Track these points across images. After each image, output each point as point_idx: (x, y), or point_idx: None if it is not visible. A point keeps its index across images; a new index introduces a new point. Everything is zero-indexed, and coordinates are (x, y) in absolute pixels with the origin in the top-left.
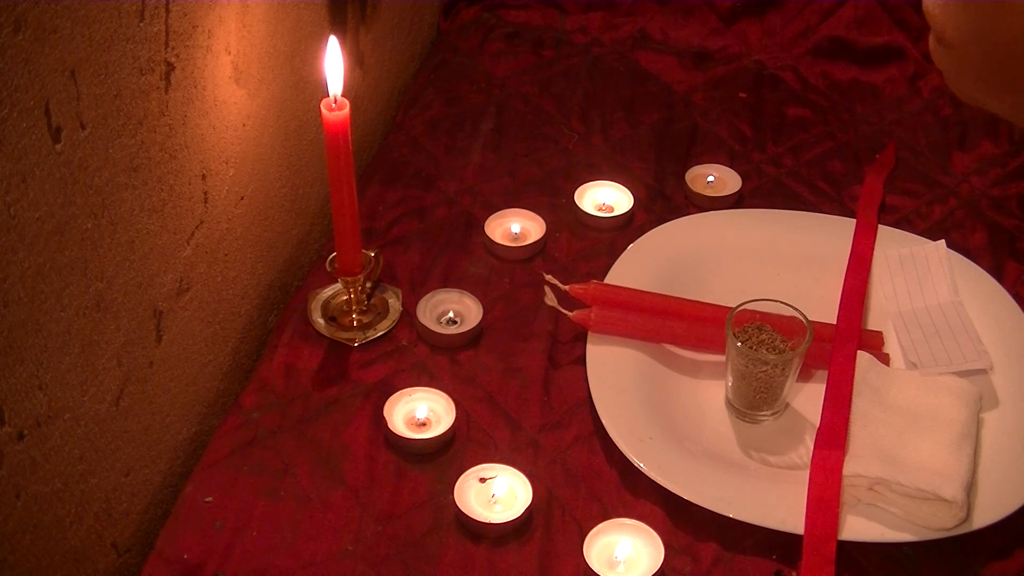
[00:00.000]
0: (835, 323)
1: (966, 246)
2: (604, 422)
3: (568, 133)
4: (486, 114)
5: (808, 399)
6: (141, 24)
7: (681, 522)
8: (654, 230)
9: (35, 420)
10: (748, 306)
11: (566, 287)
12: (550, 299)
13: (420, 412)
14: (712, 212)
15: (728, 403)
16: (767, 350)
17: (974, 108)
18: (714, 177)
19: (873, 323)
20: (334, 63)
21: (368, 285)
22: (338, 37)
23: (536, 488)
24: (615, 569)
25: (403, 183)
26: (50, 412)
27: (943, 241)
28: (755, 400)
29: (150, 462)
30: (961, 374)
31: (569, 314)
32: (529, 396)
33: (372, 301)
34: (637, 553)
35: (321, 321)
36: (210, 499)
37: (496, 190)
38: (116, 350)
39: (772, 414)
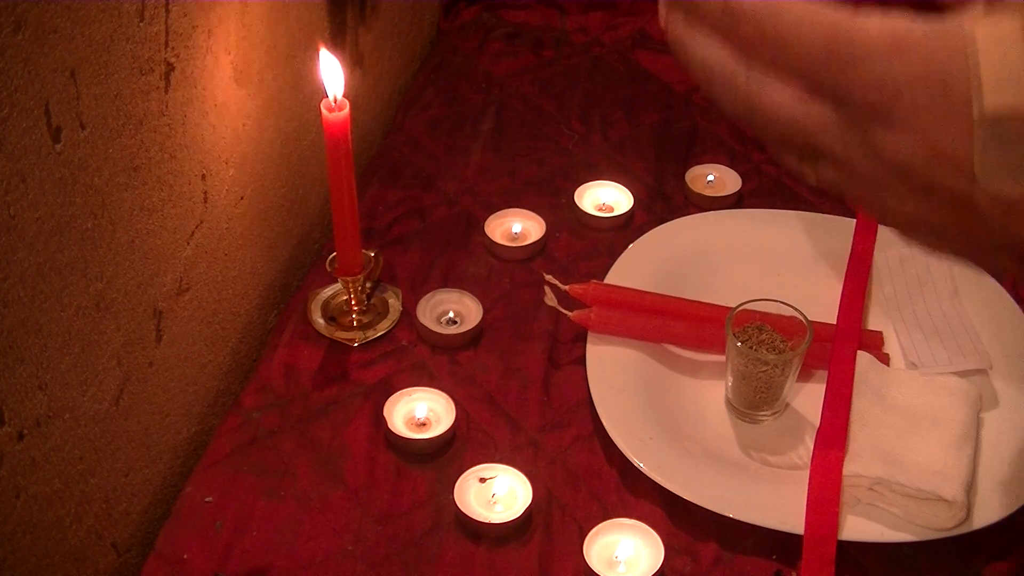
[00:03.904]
0: (835, 323)
1: None
2: (604, 422)
3: (568, 133)
4: (486, 114)
5: (808, 399)
6: (141, 24)
7: (681, 522)
8: (654, 230)
9: (35, 420)
10: (748, 306)
11: (566, 287)
12: (550, 299)
13: (420, 412)
14: (712, 212)
15: (728, 403)
16: (767, 350)
17: None
18: (714, 177)
19: (873, 323)
20: (329, 70)
21: (368, 285)
22: (337, 37)
23: (536, 488)
24: (615, 569)
25: (403, 183)
26: (50, 412)
27: None
28: (755, 400)
29: (150, 462)
30: (961, 374)
31: (569, 314)
32: (529, 396)
33: (372, 301)
34: (637, 553)
35: (321, 321)
36: (210, 499)
37: (496, 190)
38: (116, 350)
39: (772, 414)
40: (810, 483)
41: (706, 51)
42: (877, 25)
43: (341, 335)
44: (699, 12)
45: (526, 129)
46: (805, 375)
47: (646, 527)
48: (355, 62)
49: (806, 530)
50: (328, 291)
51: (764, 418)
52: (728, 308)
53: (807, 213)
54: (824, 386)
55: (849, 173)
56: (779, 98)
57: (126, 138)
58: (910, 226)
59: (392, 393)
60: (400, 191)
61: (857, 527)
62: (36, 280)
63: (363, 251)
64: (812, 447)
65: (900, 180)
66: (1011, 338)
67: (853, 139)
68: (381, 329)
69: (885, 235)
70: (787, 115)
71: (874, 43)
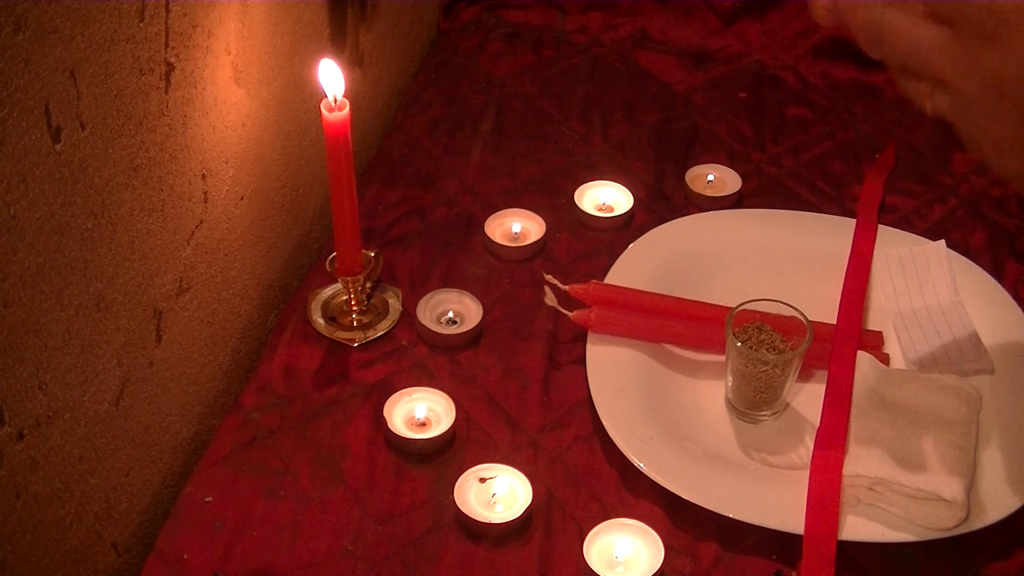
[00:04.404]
0: (835, 323)
1: (966, 246)
2: (604, 422)
3: (568, 133)
4: (486, 114)
5: (808, 399)
6: (141, 24)
7: (681, 522)
8: (654, 230)
9: (35, 420)
10: (748, 306)
11: (566, 287)
12: (550, 299)
13: (420, 412)
14: (712, 212)
15: (728, 403)
16: (767, 350)
17: None
18: (714, 177)
19: (873, 323)
20: (328, 78)
21: (368, 285)
22: (337, 37)
23: (536, 488)
24: (615, 569)
25: (403, 183)
26: (50, 412)
27: (943, 241)
28: (755, 400)
29: (150, 462)
30: (961, 374)
31: (569, 314)
32: (529, 396)
33: (372, 301)
34: (637, 553)
35: (321, 321)
36: (210, 499)
37: (496, 190)
38: (116, 350)
39: (772, 414)
40: (810, 483)
41: None
42: None
43: (341, 335)
44: None
45: (526, 129)
46: (805, 375)
47: (646, 527)
48: (355, 62)
49: (806, 530)
50: (328, 291)
51: (764, 418)
52: (728, 308)
53: (807, 213)
54: (824, 386)
55: (959, 97)
56: (905, 22)
57: (126, 138)
58: (1000, 147)
59: (392, 393)
60: (400, 191)
61: (857, 527)
62: (36, 280)
63: (363, 251)
64: (812, 447)
65: (997, 96)
66: (1011, 338)
67: (961, 59)
68: (381, 329)
69: (885, 235)
70: (909, 37)
71: None
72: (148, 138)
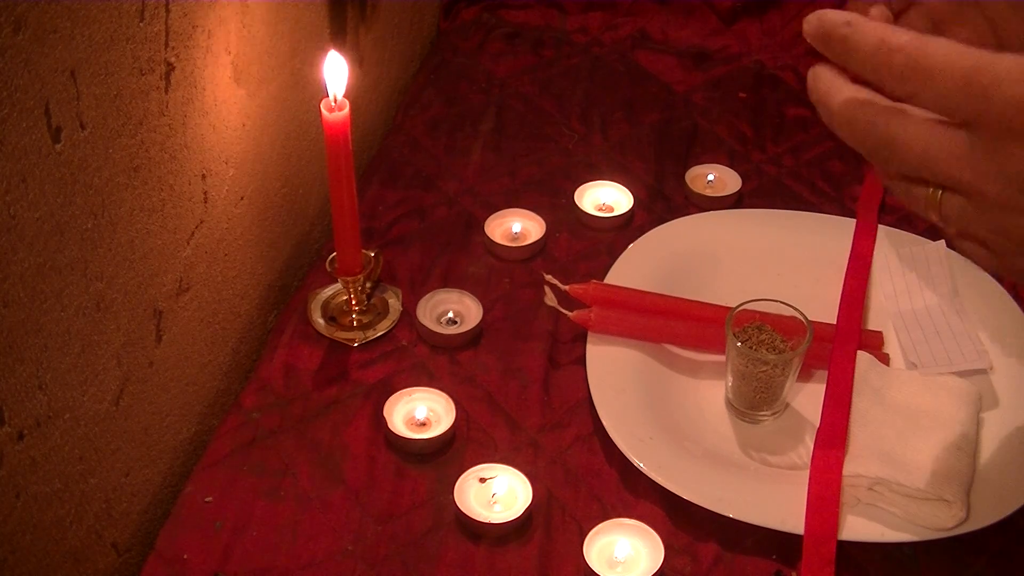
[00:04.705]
0: (835, 323)
1: None
2: (604, 422)
3: (568, 133)
4: (486, 114)
5: (808, 399)
6: (141, 24)
7: (681, 522)
8: (654, 230)
9: (35, 420)
10: (748, 306)
11: (566, 287)
12: (550, 299)
13: (420, 412)
14: (712, 212)
15: (728, 403)
16: (767, 350)
17: None
18: (714, 177)
19: (873, 323)
20: (334, 70)
21: (368, 285)
22: (338, 37)
23: (536, 488)
24: (615, 569)
25: (403, 183)
26: (50, 412)
27: (943, 241)
28: (755, 400)
29: (150, 462)
30: (961, 374)
31: (569, 314)
32: (529, 396)
33: (372, 301)
34: (637, 553)
35: (321, 321)
36: (210, 499)
37: (496, 190)
38: (116, 350)
39: (772, 414)
40: (810, 483)
41: (848, 94)
42: (1013, 58)
43: (341, 335)
44: (855, 49)
45: (526, 129)
46: (805, 375)
47: (646, 527)
48: (355, 62)
49: (806, 530)
50: (328, 291)
51: (764, 418)
52: (728, 308)
53: (807, 213)
54: (824, 386)
55: (976, 198)
56: (916, 129)
57: (126, 138)
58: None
59: (392, 393)
60: (400, 191)
61: (857, 527)
62: (36, 280)
63: (363, 251)
64: (812, 447)
65: (1021, 192)
66: (1011, 338)
67: (983, 161)
68: (381, 329)
69: (885, 235)
70: (922, 145)
71: (1010, 71)
72: (148, 138)
